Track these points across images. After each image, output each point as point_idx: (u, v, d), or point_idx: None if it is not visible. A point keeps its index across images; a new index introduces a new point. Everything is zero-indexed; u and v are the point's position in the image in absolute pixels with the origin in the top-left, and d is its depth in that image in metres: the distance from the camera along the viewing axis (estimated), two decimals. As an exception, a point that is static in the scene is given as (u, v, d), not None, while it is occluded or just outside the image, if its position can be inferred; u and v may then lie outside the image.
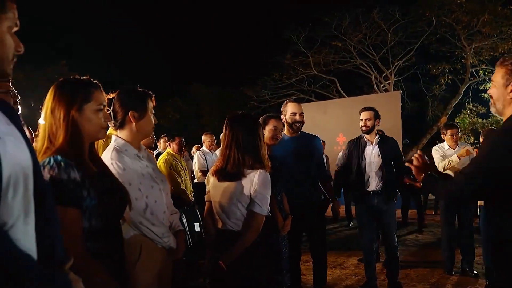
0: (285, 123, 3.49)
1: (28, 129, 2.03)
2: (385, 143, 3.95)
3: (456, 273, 4.46)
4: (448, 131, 4.68)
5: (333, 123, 10.75)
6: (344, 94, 18.26)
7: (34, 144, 1.31)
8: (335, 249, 5.72)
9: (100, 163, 1.61)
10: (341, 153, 7.86)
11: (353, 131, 9.19)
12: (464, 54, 16.71)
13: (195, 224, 4.35)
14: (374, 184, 3.86)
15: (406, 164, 2.21)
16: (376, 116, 3.95)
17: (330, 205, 3.67)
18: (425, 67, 17.79)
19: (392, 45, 17.61)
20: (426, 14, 16.26)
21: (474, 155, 6.57)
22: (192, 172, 6.57)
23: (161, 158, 4.96)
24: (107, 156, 1.84)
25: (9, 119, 0.93)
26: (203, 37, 35.72)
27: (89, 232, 1.42)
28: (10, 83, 2.01)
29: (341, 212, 4.08)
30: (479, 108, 18.09)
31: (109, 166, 1.75)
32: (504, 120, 1.75)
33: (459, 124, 17.43)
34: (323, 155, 3.80)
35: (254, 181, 2.11)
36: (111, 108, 1.89)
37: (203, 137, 6.58)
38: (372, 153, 3.91)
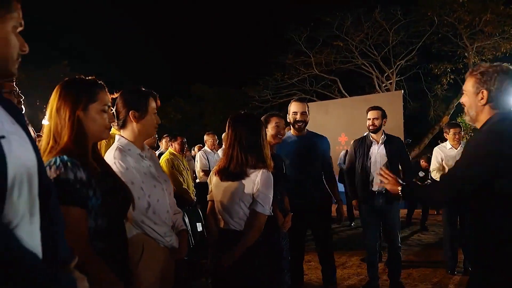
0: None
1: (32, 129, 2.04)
2: (391, 142, 3.95)
3: (458, 273, 4.45)
4: (451, 130, 4.67)
5: (335, 123, 10.74)
6: (346, 94, 18.24)
7: (38, 144, 1.32)
8: (337, 248, 5.71)
9: (103, 163, 1.62)
10: (342, 152, 7.90)
11: (354, 131, 9.19)
12: (466, 54, 16.67)
13: (197, 223, 4.35)
14: (378, 184, 3.86)
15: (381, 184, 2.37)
16: (384, 115, 3.96)
17: (335, 207, 3.62)
18: (427, 67, 17.75)
19: (394, 45, 17.58)
20: (428, 13, 16.23)
21: None
22: (194, 172, 6.58)
23: (163, 158, 4.97)
24: (110, 156, 1.85)
25: (14, 118, 0.94)
26: (205, 37, 35.73)
27: (94, 232, 1.43)
28: (14, 83, 2.01)
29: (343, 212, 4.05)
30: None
31: (112, 165, 1.76)
32: (479, 127, 1.84)
33: (461, 123, 17.39)
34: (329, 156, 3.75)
35: (256, 180, 2.12)
36: (115, 108, 1.90)
37: (205, 137, 6.59)
38: (377, 153, 3.90)
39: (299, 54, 18.56)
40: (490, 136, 1.72)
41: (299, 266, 3.49)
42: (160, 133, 6.19)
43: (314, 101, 17.71)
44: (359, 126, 8.37)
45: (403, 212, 6.97)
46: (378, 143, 3.94)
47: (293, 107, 3.47)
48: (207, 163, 6.14)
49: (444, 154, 4.64)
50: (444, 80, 17.72)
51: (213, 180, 2.31)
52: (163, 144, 6.55)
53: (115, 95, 1.94)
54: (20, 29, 0.96)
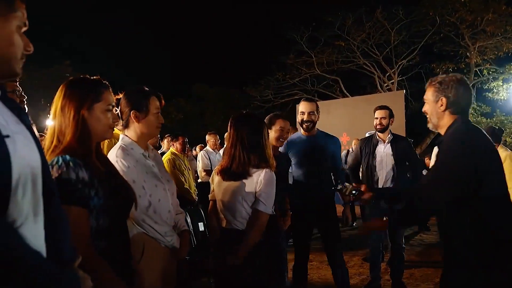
0: None
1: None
2: (397, 142, 3.94)
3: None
4: None
5: (337, 123, 10.72)
6: (348, 94, 18.23)
7: (42, 143, 1.32)
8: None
9: (107, 162, 1.62)
10: (343, 152, 7.88)
11: (356, 131, 9.18)
12: (468, 53, 16.65)
13: (199, 223, 4.36)
14: (383, 183, 3.84)
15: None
16: (391, 115, 3.96)
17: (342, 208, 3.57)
18: (428, 67, 17.72)
19: (396, 45, 17.56)
20: (429, 13, 16.21)
21: None
22: (196, 171, 6.59)
23: (165, 158, 4.97)
24: (113, 154, 1.87)
25: (18, 118, 0.94)
26: (206, 37, 35.74)
27: (96, 231, 1.43)
28: (17, 82, 2.02)
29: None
30: (483, 107, 18.02)
31: (114, 164, 1.77)
32: (443, 133, 1.99)
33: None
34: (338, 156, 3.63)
35: (259, 180, 2.12)
36: (119, 108, 1.91)
37: (207, 137, 6.60)
38: (384, 152, 3.90)
39: (301, 54, 18.56)
40: (465, 151, 1.83)
41: (303, 266, 3.45)
42: (161, 133, 6.20)
43: (316, 101, 17.70)
44: (361, 126, 8.37)
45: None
46: (384, 143, 3.93)
47: (301, 107, 3.43)
48: (209, 163, 6.15)
49: None
50: (446, 80, 17.66)
51: (215, 179, 2.31)
52: (165, 144, 6.55)
53: (120, 95, 1.94)
54: (24, 29, 0.96)
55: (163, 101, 2.02)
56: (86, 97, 1.49)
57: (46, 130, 1.54)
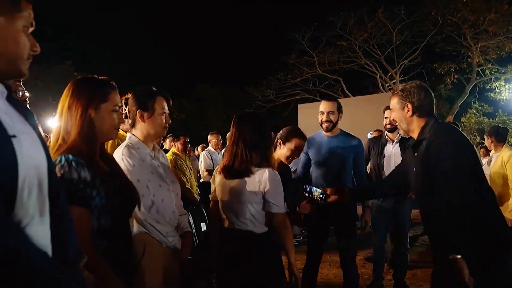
0: None
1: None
2: (406, 142, 3.93)
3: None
4: None
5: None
6: (349, 94, 18.23)
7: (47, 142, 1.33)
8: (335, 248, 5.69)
9: (111, 162, 1.62)
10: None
11: (358, 131, 9.13)
12: (470, 53, 16.64)
13: (201, 223, 4.36)
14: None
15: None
16: None
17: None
18: (430, 66, 17.73)
19: (398, 45, 17.57)
20: (431, 13, 16.21)
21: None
22: (198, 171, 6.59)
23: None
24: (119, 153, 1.87)
25: (24, 118, 0.94)
26: (208, 37, 35.77)
27: (97, 231, 1.43)
28: (21, 82, 2.02)
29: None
30: (485, 107, 18.01)
31: (119, 162, 1.78)
32: (416, 136, 2.09)
33: (465, 123, 17.34)
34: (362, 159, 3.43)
35: (263, 180, 2.09)
36: (127, 107, 1.93)
37: (209, 137, 6.60)
38: (392, 151, 3.88)
39: (302, 54, 18.59)
40: (463, 149, 1.93)
41: (315, 268, 3.34)
42: (164, 133, 6.20)
43: (318, 101, 17.67)
44: (363, 126, 8.36)
45: (415, 212, 6.93)
46: (393, 142, 3.92)
47: (321, 107, 3.30)
48: (211, 163, 6.15)
49: None
50: (448, 80, 17.68)
51: (217, 179, 2.29)
52: (167, 143, 6.56)
53: (128, 95, 1.96)
54: (31, 29, 0.96)
55: (171, 102, 2.03)
56: (94, 97, 1.49)
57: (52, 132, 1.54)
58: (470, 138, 15.57)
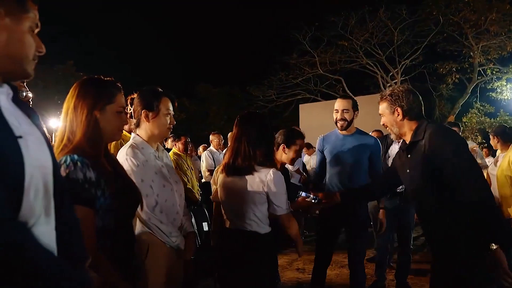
0: None
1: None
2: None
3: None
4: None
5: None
6: (351, 94, 18.20)
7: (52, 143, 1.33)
8: (343, 248, 5.69)
9: (114, 163, 1.62)
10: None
11: (359, 131, 9.14)
12: (471, 53, 16.60)
13: (203, 223, 4.36)
14: None
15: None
16: None
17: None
18: (432, 66, 17.68)
19: (399, 44, 17.53)
20: (433, 13, 16.17)
21: (479, 153, 6.45)
22: (200, 171, 6.59)
23: (168, 157, 4.97)
24: (123, 152, 1.87)
25: (30, 119, 0.95)
26: (210, 38, 35.77)
27: (101, 231, 1.43)
28: (25, 83, 2.02)
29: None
30: (486, 107, 17.97)
31: (123, 162, 1.78)
32: (409, 139, 2.12)
33: (466, 123, 17.31)
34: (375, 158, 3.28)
35: (267, 181, 2.06)
36: (132, 107, 1.93)
37: (211, 137, 6.60)
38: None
39: (304, 54, 18.56)
40: (463, 147, 1.97)
41: (322, 270, 3.25)
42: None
43: (319, 100, 17.70)
44: (364, 126, 8.32)
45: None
46: (399, 143, 3.91)
47: (335, 105, 3.23)
48: (213, 163, 6.15)
49: None
50: (449, 80, 17.64)
51: (220, 178, 2.26)
52: (169, 143, 6.57)
53: (133, 96, 1.96)
54: (37, 30, 0.96)
55: (176, 103, 2.03)
56: (100, 98, 1.49)
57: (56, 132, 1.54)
58: (472, 138, 15.56)
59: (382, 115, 2.20)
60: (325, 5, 22.34)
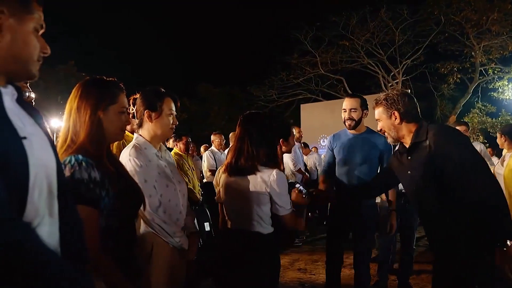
0: None
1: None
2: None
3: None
4: (457, 127, 4.63)
5: (341, 123, 10.69)
6: (354, 93, 18.16)
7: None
8: (345, 248, 5.68)
9: (117, 163, 1.62)
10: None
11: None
12: (473, 53, 16.58)
13: (205, 223, 4.36)
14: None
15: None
16: None
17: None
18: (433, 66, 17.67)
19: (400, 44, 17.52)
20: (434, 12, 16.16)
21: (486, 153, 6.41)
22: (201, 171, 6.59)
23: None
24: (126, 153, 1.87)
25: (34, 120, 0.95)
26: (211, 38, 35.78)
27: (104, 231, 1.44)
28: (28, 83, 2.02)
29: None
30: (488, 107, 17.94)
31: (126, 163, 1.78)
32: (409, 142, 2.11)
33: (468, 123, 17.27)
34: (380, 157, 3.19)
35: (270, 181, 2.05)
36: (134, 107, 1.93)
37: (212, 137, 6.60)
38: None
39: (305, 54, 18.57)
40: (471, 148, 1.98)
41: (336, 271, 3.15)
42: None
43: (320, 100, 17.70)
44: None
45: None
46: None
47: (343, 104, 3.15)
48: (214, 163, 6.15)
49: None
50: (451, 80, 17.63)
51: (222, 178, 2.25)
52: (170, 143, 6.57)
53: (136, 96, 1.96)
54: (41, 31, 0.97)
55: (178, 104, 2.03)
56: (103, 98, 1.49)
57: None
58: (473, 138, 15.54)
59: (379, 120, 2.20)
60: (326, 5, 22.37)
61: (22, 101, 0.95)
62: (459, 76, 17.46)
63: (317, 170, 7.70)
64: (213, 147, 6.53)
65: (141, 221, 1.82)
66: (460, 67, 17.16)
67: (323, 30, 17.82)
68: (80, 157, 1.38)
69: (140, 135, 1.97)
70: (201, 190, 5.22)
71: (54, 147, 0.98)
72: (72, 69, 21.01)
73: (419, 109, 2.15)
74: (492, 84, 16.97)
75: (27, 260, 0.75)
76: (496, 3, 14.98)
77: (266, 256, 2.11)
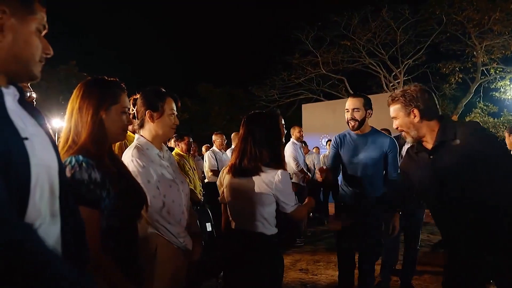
0: None
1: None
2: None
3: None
4: None
5: (343, 123, 10.67)
6: (358, 93, 18.14)
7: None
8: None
9: (118, 163, 1.62)
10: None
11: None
12: (474, 53, 16.54)
13: (206, 224, 4.36)
14: None
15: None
16: None
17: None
18: (435, 66, 17.65)
19: (402, 44, 17.50)
20: (436, 12, 16.13)
21: None
22: (202, 171, 6.59)
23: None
24: (128, 154, 1.87)
25: (35, 120, 0.94)
26: (212, 38, 35.79)
27: (105, 231, 1.43)
28: (29, 83, 2.02)
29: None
30: (490, 107, 17.91)
31: (129, 163, 1.78)
32: (434, 140, 1.96)
33: (470, 123, 17.21)
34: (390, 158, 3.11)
35: (275, 182, 2.05)
36: (135, 108, 1.93)
37: (214, 137, 6.59)
38: None
39: (306, 54, 18.57)
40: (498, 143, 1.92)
41: (349, 275, 3.11)
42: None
43: (321, 100, 17.68)
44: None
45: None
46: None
47: (346, 104, 3.08)
48: (216, 163, 6.15)
49: None
50: (453, 79, 17.59)
51: (226, 179, 2.25)
52: (171, 143, 6.57)
53: (137, 96, 1.96)
54: (44, 32, 0.96)
55: (179, 103, 2.03)
56: (105, 98, 1.49)
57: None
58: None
59: (396, 118, 2.05)
60: (326, 5, 22.37)
61: (24, 102, 0.95)
62: (460, 76, 17.43)
63: (315, 169, 7.70)
64: (214, 147, 6.52)
65: (145, 223, 1.81)
66: (462, 67, 17.13)
67: (324, 30, 17.84)
68: (81, 157, 1.37)
69: (142, 135, 1.96)
70: (202, 190, 5.22)
71: (55, 147, 0.97)
72: (74, 69, 21.03)
73: (437, 106, 2.03)
74: (494, 84, 16.93)
75: (27, 260, 0.75)
76: (498, 2, 14.93)
77: (266, 256, 2.11)
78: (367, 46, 17.86)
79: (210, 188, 5.75)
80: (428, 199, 2.15)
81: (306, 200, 2.40)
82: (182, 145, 5.15)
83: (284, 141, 2.81)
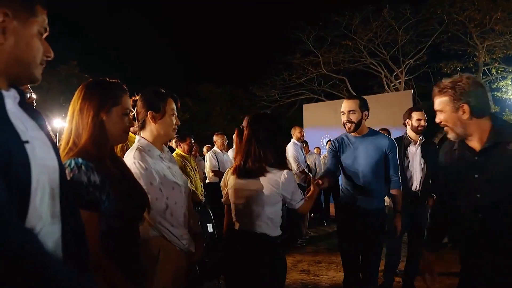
0: None
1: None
2: (427, 145, 3.85)
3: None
4: None
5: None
6: (354, 94, 18.13)
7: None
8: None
9: (120, 165, 1.61)
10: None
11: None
12: (476, 53, 16.50)
13: (207, 224, 4.35)
14: (411, 183, 3.77)
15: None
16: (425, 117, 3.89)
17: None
18: (436, 66, 17.59)
19: (403, 44, 17.47)
20: (437, 12, 16.10)
21: None
22: (204, 172, 6.58)
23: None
24: (130, 156, 1.86)
25: (36, 123, 0.94)
26: (212, 38, 35.81)
27: (106, 234, 1.43)
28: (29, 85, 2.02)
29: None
30: (491, 107, 17.85)
31: (131, 166, 1.76)
32: (484, 141, 1.77)
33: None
34: (389, 159, 3.08)
35: (281, 182, 2.07)
36: (135, 109, 1.92)
37: (215, 137, 6.59)
38: (415, 153, 3.80)
39: (307, 54, 18.55)
40: None
41: (355, 278, 3.07)
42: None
43: (322, 100, 17.66)
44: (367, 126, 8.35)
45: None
46: (416, 144, 3.85)
47: (342, 106, 3.04)
48: (217, 164, 6.14)
49: None
50: (454, 79, 17.54)
51: (230, 180, 2.25)
52: (173, 144, 6.56)
53: (136, 97, 1.95)
54: (45, 34, 0.96)
55: (179, 103, 2.02)
56: (106, 100, 1.48)
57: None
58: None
59: (441, 111, 1.84)
60: (327, 5, 22.35)
61: (25, 104, 0.95)
62: (462, 75, 17.40)
63: (316, 169, 7.69)
64: (215, 148, 6.52)
65: (148, 225, 1.80)
66: (463, 67, 17.08)
67: (325, 30, 17.82)
68: (80, 160, 1.37)
69: (143, 137, 1.95)
70: (203, 191, 5.22)
71: (56, 149, 0.97)
72: (74, 69, 21.05)
73: (489, 102, 1.83)
74: (496, 84, 16.89)
75: (27, 261, 0.75)
76: (500, 2, 14.90)
77: (266, 256, 2.11)
78: (368, 46, 17.84)
79: (211, 188, 5.75)
80: (460, 200, 1.95)
81: (311, 191, 2.38)
82: (184, 145, 5.15)
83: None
